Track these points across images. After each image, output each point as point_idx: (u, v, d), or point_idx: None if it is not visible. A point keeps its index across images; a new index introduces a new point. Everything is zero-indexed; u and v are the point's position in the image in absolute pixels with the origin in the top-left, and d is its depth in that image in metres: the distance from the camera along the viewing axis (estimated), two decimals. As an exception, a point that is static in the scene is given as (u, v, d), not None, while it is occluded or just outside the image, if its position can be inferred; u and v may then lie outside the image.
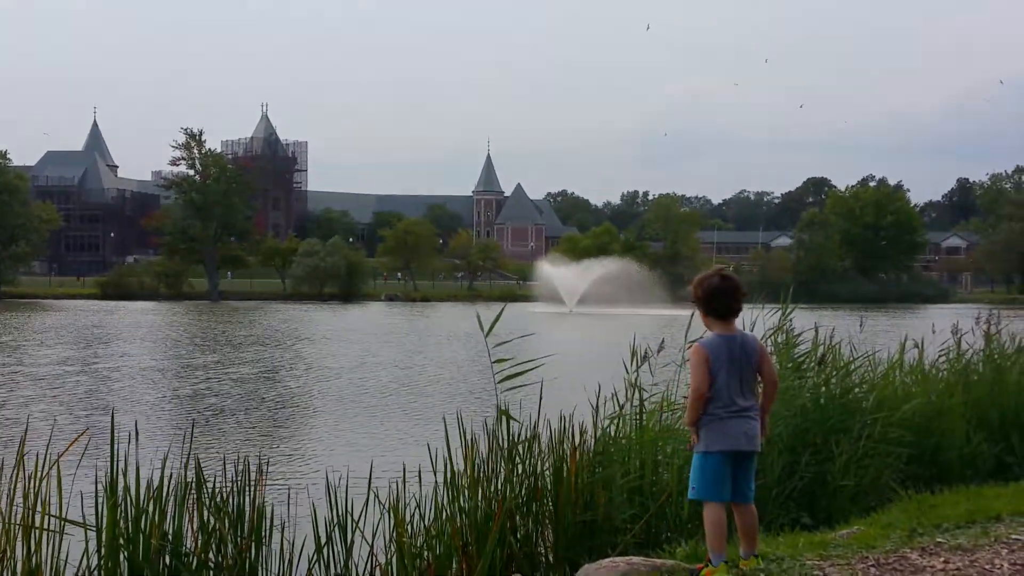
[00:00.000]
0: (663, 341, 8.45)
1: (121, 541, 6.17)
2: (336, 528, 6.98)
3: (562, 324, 55.12)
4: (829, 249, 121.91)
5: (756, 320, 9.03)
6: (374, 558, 6.99)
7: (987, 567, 5.91)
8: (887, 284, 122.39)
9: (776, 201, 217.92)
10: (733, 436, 5.47)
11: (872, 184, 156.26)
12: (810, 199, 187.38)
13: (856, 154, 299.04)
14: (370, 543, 6.99)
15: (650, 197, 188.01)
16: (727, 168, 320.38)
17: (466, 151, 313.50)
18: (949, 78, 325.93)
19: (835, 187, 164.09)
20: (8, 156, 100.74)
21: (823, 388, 8.87)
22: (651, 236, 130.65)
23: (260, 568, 6.67)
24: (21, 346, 37.52)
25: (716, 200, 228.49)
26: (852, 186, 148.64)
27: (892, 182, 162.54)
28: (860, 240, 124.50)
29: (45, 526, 5.94)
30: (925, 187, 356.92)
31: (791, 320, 9.03)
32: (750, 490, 5.61)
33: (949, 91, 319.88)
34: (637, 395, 8.09)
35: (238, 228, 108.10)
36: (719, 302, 5.61)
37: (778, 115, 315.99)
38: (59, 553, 5.98)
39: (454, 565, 7.00)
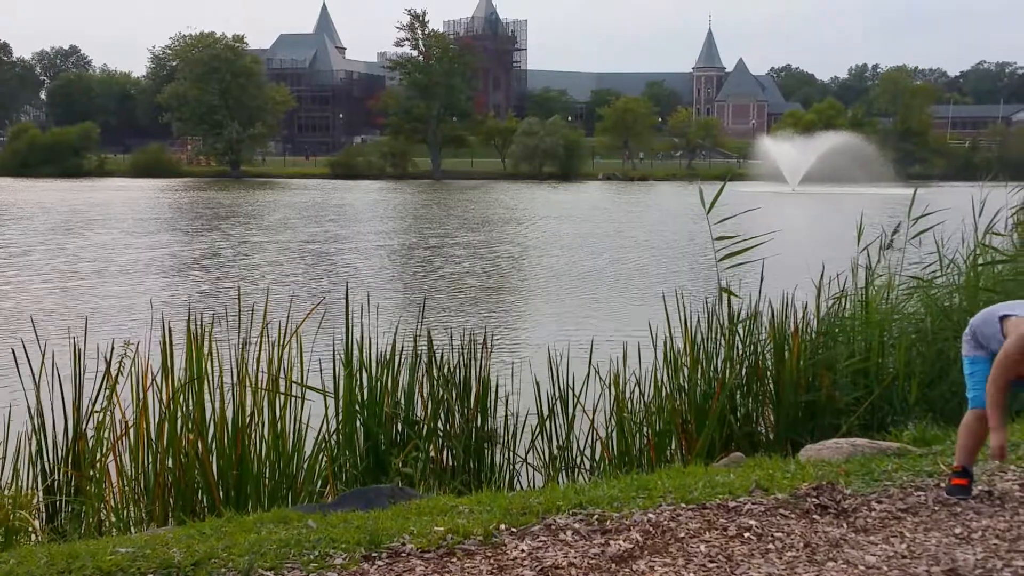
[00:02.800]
0: (899, 225, 8.09)
1: (356, 407, 6.53)
2: (558, 401, 7.15)
3: (784, 203, 53.53)
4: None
5: (986, 198, 8.50)
6: (595, 432, 7.14)
7: None
8: None
9: (1020, 72, 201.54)
10: None
11: None
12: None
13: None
14: (591, 417, 7.14)
15: (880, 70, 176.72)
16: (965, 38, 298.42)
17: (687, 26, 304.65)
18: None
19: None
20: (245, 40, 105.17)
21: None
22: (880, 111, 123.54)
23: (485, 437, 6.92)
24: (288, 222, 39.88)
25: (952, 72, 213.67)
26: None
27: None
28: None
29: (289, 392, 6.36)
30: None
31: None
32: None
33: None
34: (863, 276, 7.83)
35: (459, 108, 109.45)
36: None
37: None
38: (300, 416, 6.39)
39: (673, 442, 7.08)
